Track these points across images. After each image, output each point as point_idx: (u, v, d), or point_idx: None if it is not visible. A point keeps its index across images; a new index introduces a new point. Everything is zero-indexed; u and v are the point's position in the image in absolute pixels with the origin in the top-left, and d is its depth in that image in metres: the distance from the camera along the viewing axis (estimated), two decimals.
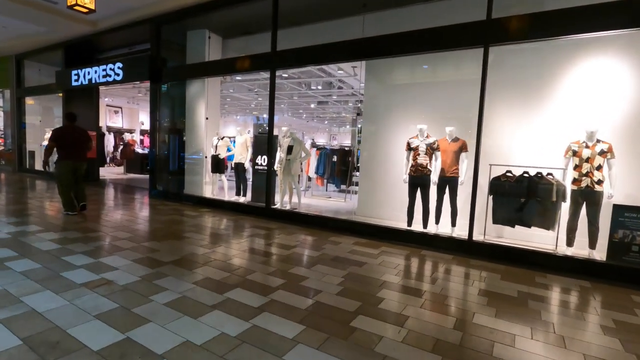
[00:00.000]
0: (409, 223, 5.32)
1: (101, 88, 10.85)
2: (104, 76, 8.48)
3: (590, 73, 4.57)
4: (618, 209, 3.99)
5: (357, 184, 9.54)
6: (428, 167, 5.12)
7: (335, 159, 8.90)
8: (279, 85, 11.72)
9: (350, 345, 2.22)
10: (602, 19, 3.68)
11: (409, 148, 5.28)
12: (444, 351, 2.20)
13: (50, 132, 5.64)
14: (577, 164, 4.34)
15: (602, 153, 4.21)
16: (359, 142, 17.07)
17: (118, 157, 14.57)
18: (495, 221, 4.84)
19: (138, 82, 10.22)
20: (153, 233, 4.78)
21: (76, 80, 9.18)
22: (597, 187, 4.22)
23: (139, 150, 13.69)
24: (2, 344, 2.05)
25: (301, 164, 7.27)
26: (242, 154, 7.52)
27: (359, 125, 18.92)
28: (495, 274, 3.72)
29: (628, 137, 4.34)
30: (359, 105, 14.94)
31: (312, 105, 14.14)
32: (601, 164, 4.23)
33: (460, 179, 5.16)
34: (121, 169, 13.87)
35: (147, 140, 16.73)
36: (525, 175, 4.62)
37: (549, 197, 4.43)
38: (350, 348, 2.18)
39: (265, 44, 7.39)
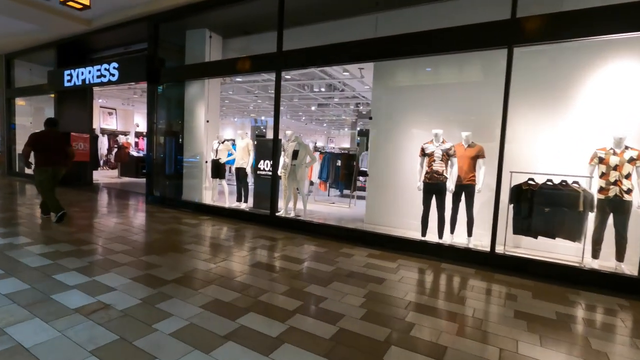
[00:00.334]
0: (424, 233, 5.05)
1: (95, 89, 10.48)
2: (98, 76, 8.12)
3: (617, 76, 4.34)
4: None
5: (361, 189, 9.31)
6: (444, 174, 4.86)
7: (339, 163, 8.63)
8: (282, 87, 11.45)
9: None
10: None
11: (424, 154, 5.02)
12: None
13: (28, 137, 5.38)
14: (604, 171, 4.11)
15: (631, 160, 3.98)
16: (358, 144, 16.77)
17: (112, 160, 14.15)
18: (516, 231, 4.59)
19: (134, 83, 9.88)
20: (152, 245, 4.45)
21: (69, 81, 8.80)
22: (626, 197, 3.99)
23: (133, 153, 13.29)
24: None
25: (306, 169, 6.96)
26: (243, 158, 7.20)
27: (359, 128, 18.74)
28: (525, 291, 3.45)
29: None
30: (359, 107, 14.73)
31: (313, 108, 13.86)
32: (630, 172, 4.00)
33: (477, 187, 4.90)
34: (115, 172, 13.45)
35: (142, 143, 16.32)
36: (549, 183, 4.38)
37: (576, 207, 4.19)
38: None
39: (267, 44, 7.08)
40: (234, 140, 7.96)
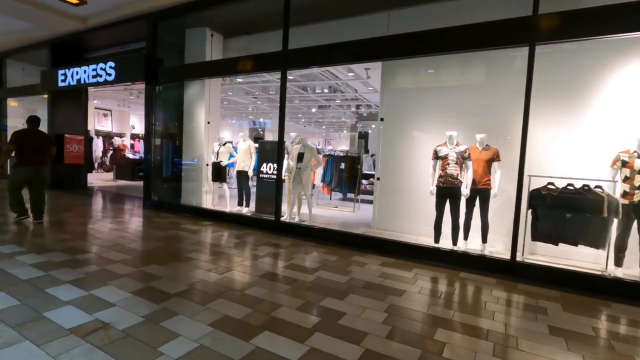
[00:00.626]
0: (437, 239, 4.83)
1: (90, 90, 10.17)
2: (94, 76, 7.83)
3: None
4: None
5: (364, 193, 9.09)
6: (459, 177, 4.65)
7: (342, 166, 8.41)
8: (275, 89, 11.23)
9: None
10: None
11: (437, 157, 4.81)
12: None
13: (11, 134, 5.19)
14: (628, 175, 3.92)
15: None
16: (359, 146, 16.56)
17: (107, 163, 13.81)
18: (534, 238, 4.39)
19: (130, 84, 9.59)
20: (152, 253, 4.18)
21: (63, 81, 8.50)
22: None
23: (129, 155, 12.97)
24: None
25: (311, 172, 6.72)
26: (245, 161, 6.96)
27: (359, 130, 18.56)
28: (553, 303, 3.24)
29: None
30: (361, 109, 14.55)
31: (314, 110, 13.64)
32: None
33: (493, 191, 4.71)
34: (110, 175, 13.12)
35: (137, 145, 15.99)
36: (570, 187, 4.19)
37: (600, 213, 4.00)
38: None
39: (270, 43, 6.87)
40: (231, 143, 7.72)
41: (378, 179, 5.53)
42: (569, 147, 4.56)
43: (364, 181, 9.03)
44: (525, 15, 3.81)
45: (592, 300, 3.37)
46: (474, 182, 4.70)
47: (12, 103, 11.33)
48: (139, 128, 16.59)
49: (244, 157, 6.96)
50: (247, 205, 7.08)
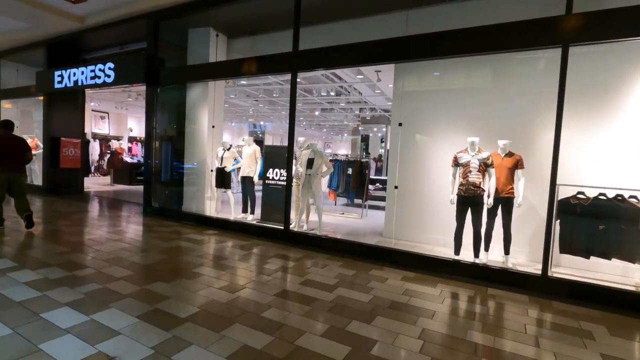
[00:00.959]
0: (457, 251, 4.58)
1: (87, 91, 9.86)
2: (92, 78, 7.52)
3: None
4: None
5: (372, 199, 8.83)
6: (481, 186, 4.40)
7: (350, 171, 8.15)
8: (284, 91, 10.98)
9: None
10: None
11: (457, 163, 4.56)
12: None
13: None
14: None
15: None
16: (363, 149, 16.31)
17: (104, 167, 13.46)
18: (563, 250, 4.15)
19: (128, 85, 9.27)
20: (156, 268, 3.88)
21: (60, 82, 8.18)
22: None
23: (127, 159, 12.62)
24: None
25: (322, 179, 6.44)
26: (250, 166, 6.68)
27: (362, 134, 18.33)
28: (597, 326, 2.98)
29: None
30: (365, 112, 14.32)
31: (317, 113, 13.39)
32: None
33: (517, 200, 4.46)
34: (107, 179, 12.77)
35: (135, 148, 15.65)
36: (602, 197, 3.96)
37: (635, 224, 3.76)
38: None
39: (276, 45, 6.60)
40: (235, 147, 7.44)
41: (396, 187, 5.25)
42: (599, 154, 4.33)
43: (370, 187, 8.79)
44: (558, 15, 3.58)
45: (636, 321, 3.12)
46: (496, 190, 4.46)
47: (6, 105, 10.97)
48: (137, 131, 16.25)
49: (249, 162, 6.68)
50: (252, 213, 6.80)
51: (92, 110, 13.98)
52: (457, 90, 5.30)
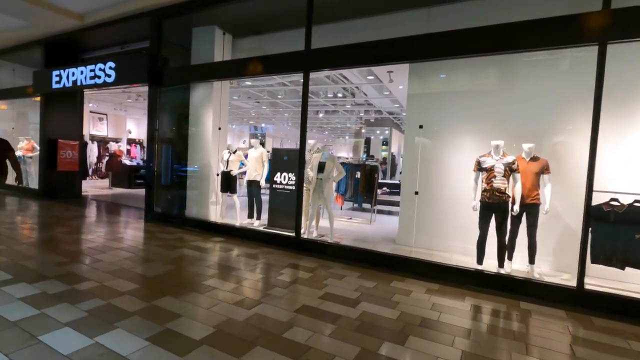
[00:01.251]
0: (480, 260, 4.34)
1: (86, 92, 9.56)
2: (91, 77, 7.24)
3: None
4: None
5: (381, 203, 8.60)
6: (507, 192, 4.17)
7: (358, 175, 7.91)
8: (288, 92, 10.74)
9: None
10: None
11: (479, 168, 4.33)
12: None
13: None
14: None
15: None
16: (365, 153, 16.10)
17: (102, 169, 13.15)
18: (595, 260, 3.90)
19: (127, 86, 8.98)
20: (163, 281, 3.61)
21: (58, 82, 7.89)
22: None
23: (126, 161, 12.31)
24: None
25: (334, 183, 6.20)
26: (256, 170, 6.42)
27: (365, 136, 18.09)
28: None
29: None
30: (366, 115, 14.11)
31: (320, 115, 13.16)
32: None
33: (545, 207, 4.23)
34: (105, 182, 12.46)
35: (134, 151, 15.34)
36: (638, 204, 3.73)
37: None
38: None
39: (283, 44, 6.39)
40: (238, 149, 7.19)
41: (416, 193, 5.01)
42: (633, 158, 4.10)
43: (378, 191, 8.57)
44: (595, 11, 3.37)
45: None
46: (521, 196, 4.23)
47: (1, 106, 10.66)
48: (136, 133, 15.94)
49: (256, 166, 6.43)
50: (259, 218, 6.54)
51: (90, 112, 13.66)
52: (476, 92, 5.08)
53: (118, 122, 15.03)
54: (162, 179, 6.98)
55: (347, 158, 11.73)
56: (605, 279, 3.96)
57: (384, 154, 17.53)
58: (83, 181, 10.26)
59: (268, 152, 6.91)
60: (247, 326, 2.71)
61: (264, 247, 5.15)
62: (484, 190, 4.26)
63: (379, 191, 8.83)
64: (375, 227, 7.24)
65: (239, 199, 6.65)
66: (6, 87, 9.89)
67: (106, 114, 14.45)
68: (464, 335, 2.76)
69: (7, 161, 5.15)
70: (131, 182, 11.79)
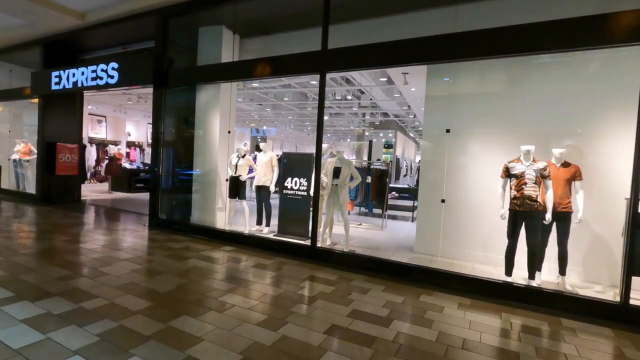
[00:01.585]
0: (509, 271, 4.11)
1: (85, 94, 9.27)
2: (93, 79, 6.96)
3: None
4: None
5: (392, 208, 8.38)
6: (538, 199, 3.95)
7: (369, 179, 7.68)
8: (294, 94, 10.52)
9: None
10: None
11: (508, 174, 4.11)
12: None
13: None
14: None
15: None
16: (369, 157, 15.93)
17: (101, 173, 12.83)
18: (637, 272, 3.69)
19: (127, 88, 8.69)
20: (176, 297, 3.34)
21: (57, 84, 7.60)
22: None
23: (126, 165, 12.00)
24: None
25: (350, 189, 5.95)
26: (266, 175, 6.18)
27: (369, 140, 17.90)
28: None
29: None
30: (373, 117, 13.91)
31: (326, 117, 12.94)
32: None
33: (578, 215, 4.02)
34: (104, 185, 12.13)
35: (133, 153, 15.03)
36: None
37: None
38: None
39: (293, 44, 6.16)
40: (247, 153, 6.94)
41: (443, 200, 4.78)
42: None
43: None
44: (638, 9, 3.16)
45: None
46: (552, 204, 4.02)
47: None
48: (135, 135, 15.62)
49: (265, 171, 6.18)
50: (268, 225, 6.29)
51: (89, 114, 13.34)
52: (501, 94, 4.87)
53: (117, 124, 14.71)
54: (167, 184, 6.71)
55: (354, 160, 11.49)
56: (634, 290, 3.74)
57: (385, 156, 17.36)
58: (82, 185, 9.95)
59: (277, 155, 6.67)
60: (276, 352, 2.45)
61: (278, 256, 4.89)
62: (514, 198, 4.04)
63: (389, 196, 8.62)
64: (387, 233, 7.00)
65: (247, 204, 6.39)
66: (3, 89, 9.58)
67: (105, 116, 14.13)
68: (511, 359, 2.52)
69: None
70: (131, 186, 11.48)
